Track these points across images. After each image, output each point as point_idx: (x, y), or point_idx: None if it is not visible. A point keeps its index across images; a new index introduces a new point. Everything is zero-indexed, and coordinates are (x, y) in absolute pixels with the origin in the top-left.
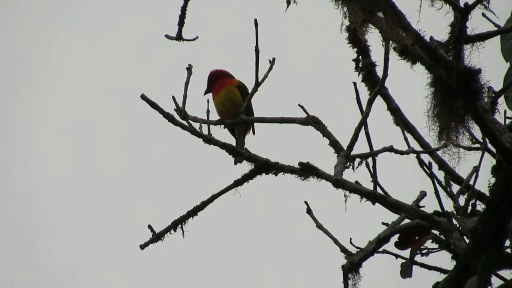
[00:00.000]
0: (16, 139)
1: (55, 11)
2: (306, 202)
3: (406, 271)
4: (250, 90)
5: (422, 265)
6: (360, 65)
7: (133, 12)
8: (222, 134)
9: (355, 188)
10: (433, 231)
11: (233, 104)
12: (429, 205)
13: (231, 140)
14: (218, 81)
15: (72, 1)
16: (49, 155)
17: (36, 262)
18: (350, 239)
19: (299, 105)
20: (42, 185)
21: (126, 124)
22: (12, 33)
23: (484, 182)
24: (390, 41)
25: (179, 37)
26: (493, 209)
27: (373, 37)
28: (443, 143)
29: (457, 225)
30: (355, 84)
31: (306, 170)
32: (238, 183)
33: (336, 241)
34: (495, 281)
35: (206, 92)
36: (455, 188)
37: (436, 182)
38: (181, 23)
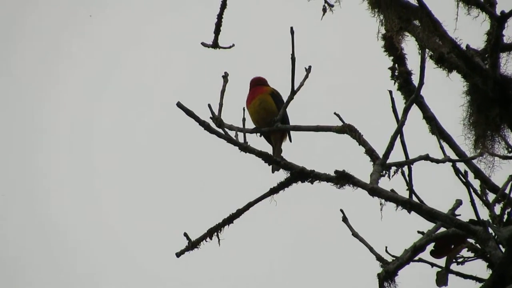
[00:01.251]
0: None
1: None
2: (341, 210)
3: (441, 280)
4: (285, 98)
5: (458, 273)
6: (396, 73)
7: (169, 20)
8: (258, 142)
9: (390, 197)
10: (468, 239)
11: (268, 112)
12: (465, 214)
13: (267, 148)
14: (252, 89)
15: (105, 8)
16: (89, 162)
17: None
18: (386, 247)
19: (334, 113)
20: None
21: (162, 132)
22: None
23: None
24: (427, 49)
25: (215, 45)
26: None
27: (409, 45)
28: (479, 152)
29: (493, 234)
30: (390, 92)
31: (342, 178)
32: (274, 191)
33: (371, 249)
34: None
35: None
36: (491, 196)
37: (471, 190)
38: (217, 31)
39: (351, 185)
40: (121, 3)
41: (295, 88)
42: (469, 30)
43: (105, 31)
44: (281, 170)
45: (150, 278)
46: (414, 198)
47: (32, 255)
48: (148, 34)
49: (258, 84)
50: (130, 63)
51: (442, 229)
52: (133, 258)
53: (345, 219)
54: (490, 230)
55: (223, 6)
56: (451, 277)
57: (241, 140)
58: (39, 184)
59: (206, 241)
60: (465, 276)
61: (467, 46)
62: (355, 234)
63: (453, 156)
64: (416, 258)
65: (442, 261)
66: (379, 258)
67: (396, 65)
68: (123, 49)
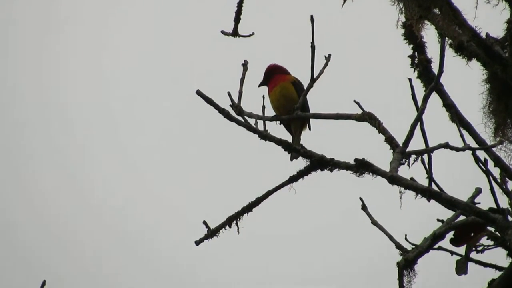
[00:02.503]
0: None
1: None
2: (361, 199)
3: (461, 268)
4: (305, 86)
5: (478, 262)
6: (416, 62)
7: (189, 9)
8: (278, 130)
9: (410, 185)
10: (488, 228)
11: (288, 100)
12: (485, 202)
13: (287, 136)
14: (274, 77)
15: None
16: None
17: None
18: (405, 235)
19: (354, 101)
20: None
21: (182, 120)
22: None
23: None
24: (446, 38)
25: (235, 33)
26: None
27: (429, 33)
28: (499, 140)
29: None
30: (410, 80)
31: (361, 166)
32: (293, 179)
33: (391, 238)
34: None
35: (260, 85)
36: (511, 185)
37: (491, 179)
38: (237, 19)
39: (370, 173)
40: None
41: (315, 76)
42: (489, 19)
43: (127, 24)
44: (300, 158)
45: (170, 266)
46: (434, 186)
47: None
48: (168, 23)
49: (277, 72)
50: (151, 51)
51: (462, 217)
52: (153, 245)
53: (364, 207)
54: (510, 218)
55: None
56: (470, 265)
57: (260, 128)
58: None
59: (225, 229)
60: (485, 265)
61: (487, 35)
62: (374, 222)
63: (473, 144)
64: (436, 246)
65: (461, 249)
66: (398, 246)
67: (416, 53)
68: (144, 38)
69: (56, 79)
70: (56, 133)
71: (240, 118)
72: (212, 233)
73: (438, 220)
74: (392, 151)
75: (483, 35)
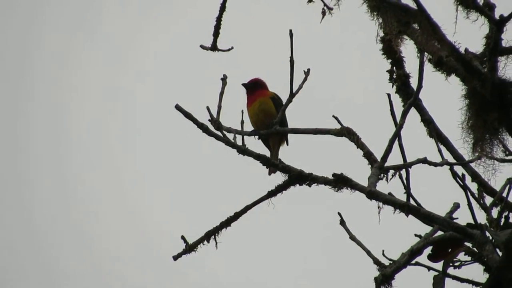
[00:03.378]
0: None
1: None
2: (339, 214)
3: (438, 284)
4: (284, 101)
5: (455, 277)
6: (394, 76)
7: (168, 22)
8: (257, 145)
9: (388, 200)
10: (466, 243)
11: (267, 115)
12: (462, 217)
13: (265, 151)
14: (254, 92)
15: (102, 12)
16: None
17: None
18: (383, 251)
19: (333, 116)
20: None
21: (161, 134)
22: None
23: None
24: (425, 53)
25: (214, 48)
26: None
27: (408, 48)
28: (477, 155)
29: (490, 238)
30: (389, 95)
31: (340, 181)
32: (271, 194)
33: (369, 253)
34: None
35: (244, 84)
36: (488, 200)
37: (469, 194)
38: (216, 34)
39: (349, 188)
40: (118, 4)
41: (294, 91)
42: (468, 34)
43: (103, 33)
44: (278, 173)
45: (147, 281)
46: (412, 202)
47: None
48: (146, 36)
49: (258, 86)
50: (128, 65)
51: (440, 233)
52: (131, 259)
53: (342, 222)
54: (488, 234)
55: (222, 8)
56: (448, 281)
57: (239, 142)
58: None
59: (203, 244)
60: (462, 280)
61: (466, 50)
62: (352, 238)
63: (451, 159)
64: (413, 261)
65: (439, 265)
66: (376, 261)
67: (395, 67)
68: (122, 51)
69: None
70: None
71: (218, 132)
72: (190, 248)
73: (416, 235)
74: (370, 166)
75: (462, 50)
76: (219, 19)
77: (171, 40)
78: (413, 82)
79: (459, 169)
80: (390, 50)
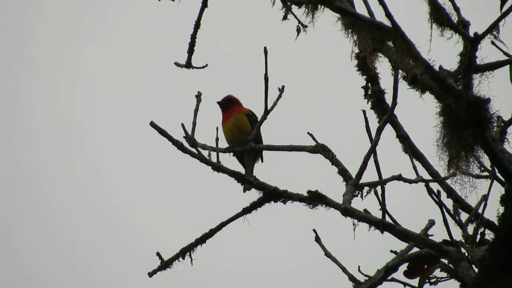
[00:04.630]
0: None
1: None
2: (314, 230)
3: None
4: (259, 118)
5: None
6: (369, 93)
7: (142, 39)
8: (231, 162)
9: (363, 217)
10: (441, 260)
11: (242, 131)
12: (438, 234)
13: (239, 168)
14: (229, 109)
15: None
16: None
17: None
18: (359, 267)
19: (308, 133)
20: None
21: (135, 152)
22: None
23: (493, 211)
24: (400, 70)
25: (188, 65)
26: (502, 239)
27: (383, 65)
28: (452, 172)
29: (466, 254)
30: (364, 112)
31: (314, 199)
32: (246, 210)
33: (344, 270)
34: None
35: (219, 102)
36: (464, 216)
37: (444, 210)
38: (190, 51)
39: (324, 205)
40: (94, 21)
41: (269, 108)
42: (442, 51)
43: (82, 48)
44: (253, 190)
45: None
46: (387, 218)
47: None
48: (123, 53)
49: (232, 103)
50: (105, 81)
51: (415, 249)
52: (104, 279)
53: (318, 239)
54: (463, 251)
55: (197, 26)
56: None
57: (214, 159)
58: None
59: (178, 260)
60: None
61: (440, 67)
62: (328, 254)
63: (426, 175)
64: (389, 278)
65: (415, 281)
66: (351, 278)
67: (370, 84)
68: (98, 67)
69: None
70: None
71: (193, 149)
72: (165, 264)
73: (391, 251)
74: (345, 183)
75: (436, 67)
76: (193, 37)
77: (145, 57)
78: (388, 99)
79: (434, 186)
80: (365, 67)
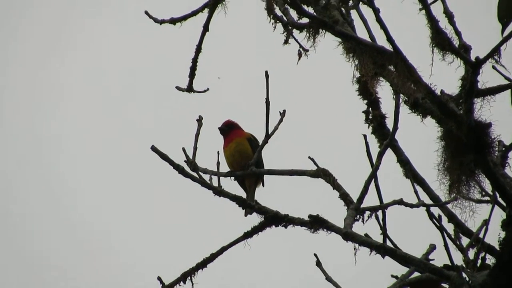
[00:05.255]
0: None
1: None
2: (315, 255)
3: None
4: (260, 142)
5: None
6: (370, 117)
7: (144, 64)
8: (232, 186)
9: (364, 241)
10: (443, 284)
11: (243, 156)
12: (439, 258)
13: (241, 192)
14: (230, 133)
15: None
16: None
17: None
18: None
19: (309, 157)
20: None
21: (136, 177)
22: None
23: (494, 236)
24: (401, 94)
25: (189, 89)
26: (503, 264)
27: (384, 89)
28: (453, 197)
29: (467, 279)
30: (365, 136)
31: (316, 223)
32: (247, 235)
33: None
34: None
35: (220, 128)
36: (465, 241)
37: (445, 235)
38: (191, 75)
39: (325, 230)
40: (95, 44)
41: (270, 132)
42: (444, 76)
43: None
44: (254, 214)
45: None
46: (388, 243)
47: None
48: (124, 77)
49: (235, 128)
50: (104, 106)
51: (416, 274)
52: None
53: (319, 264)
54: (464, 275)
55: (198, 50)
56: None
57: (215, 183)
58: None
59: (179, 285)
60: None
61: (442, 91)
62: (329, 279)
63: (427, 200)
64: None
65: None
66: None
67: (371, 108)
68: (101, 92)
69: None
70: None
71: (194, 174)
72: None
73: (392, 276)
74: (346, 207)
75: (438, 92)
76: (195, 60)
77: (147, 81)
78: (389, 123)
79: (435, 210)
80: (366, 91)
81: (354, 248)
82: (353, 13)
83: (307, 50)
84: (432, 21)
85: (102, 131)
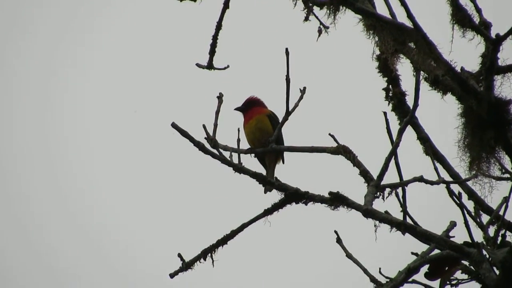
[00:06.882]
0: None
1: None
2: (336, 232)
3: None
4: (280, 119)
5: None
6: (391, 94)
7: (164, 41)
8: (252, 163)
9: (385, 218)
10: (463, 261)
11: (263, 133)
12: (459, 236)
13: (261, 169)
14: (250, 110)
15: (99, 31)
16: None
17: None
18: (380, 269)
19: (329, 134)
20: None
21: (157, 152)
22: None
23: None
24: (421, 71)
25: (210, 66)
26: None
27: (404, 67)
28: (473, 174)
29: (487, 256)
30: (385, 113)
31: (336, 200)
32: (268, 212)
33: (365, 271)
34: None
35: (237, 109)
36: (485, 218)
37: (466, 212)
38: (212, 52)
39: (345, 207)
40: (115, 22)
41: (290, 109)
42: (464, 53)
43: (99, 47)
44: (274, 191)
45: None
46: (408, 220)
47: None
48: (143, 54)
49: (253, 104)
50: (126, 83)
51: (436, 251)
52: (127, 278)
53: (339, 241)
54: (484, 252)
55: (218, 27)
56: None
57: (235, 160)
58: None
59: (200, 262)
60: None
61: (462, 69)
62: (349, 256)
63: (447, 177)
64: (410, 279)
65: (436, 283)
66: (373, 279)
67: (391, 86)
68: (121, 70)
69: None
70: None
71: (215, 151)
72: (187, 266)
73: (412, 253)
74: (366, 184)
75: (458, 69)
76: (215, 38)
77: (167, 58)
78: (409, 100)
79: (455, 188)
80: (386, 68)
81: (375, 225)
82: None
83: (328, 27)
84: None
85: (121, 107)
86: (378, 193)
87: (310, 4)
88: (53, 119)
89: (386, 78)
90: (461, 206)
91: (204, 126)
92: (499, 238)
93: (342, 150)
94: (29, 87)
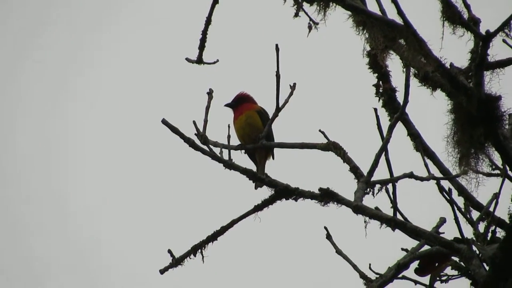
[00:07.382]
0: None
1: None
2: (325, 228)
3: None
4: (270, 115)
5: None
6: (381, 91)
7: (153, 36)
8: (243, 159)
9: (375, 214)
10: (453, 257)
11: (253, 129)
12: (449, 232)
13: (251, 166)
14: (241, 105)
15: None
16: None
17: None
18: (370, 265)
19: (319, 130)
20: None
21: (147, 149)
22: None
23: (504, 209)
24: (411, 68)
25: (199, 61)
26: None
27: (394, 63)
28: (463, 170)
29: (477, 252)
30: (375, 110)
31: (326, 196)
32: (258, 208)
33: (355, 267)
34: None
35: (227, 105)
36: (475, 214)
37: (456, 208)
38: (201, 47)
39: (335, 203)
40: (104, 17)
41: (280, 105)
42: (454, 49)
43: (91, 44)
44: (265, 187)
45: None
46: (398, 216)
47: None
48: (131, 49)
49: (245, 100)
50: (114, 79)
51: (426, 247)
52: (117, 274)
53: (329, 237)
54: (474, 248)
55: (208, 22)
56: None
57: (225, 157)
58: None
59: (190, 258)
60: None
61: (451, 65)
62: (339, 252)
63: (437, 173)
64: (400, 275)
65: (426, 279)
66: (362, 275)
67: (381, 82)
68: (108, 65)
69: None
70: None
71: (205, 147)
72: (177, 261)
73: (402, 249)
74: (356, 180)
75: (447, 65)
76: (204, 32)
77: (156, 53)
78: (400, 96)
79: (445, 184)
80: (376, 64)
81: (365, 221)
82: None
83: (317, 23)
84: None
85: (110, 103)
86: (368, 189)
87: (300, 0)
88: (51, 119)
89: (376, 74)
90: (451, 202)
91: (194, 122)
92: (489, 234)
93: (332, 146)
94: (28, 90)
